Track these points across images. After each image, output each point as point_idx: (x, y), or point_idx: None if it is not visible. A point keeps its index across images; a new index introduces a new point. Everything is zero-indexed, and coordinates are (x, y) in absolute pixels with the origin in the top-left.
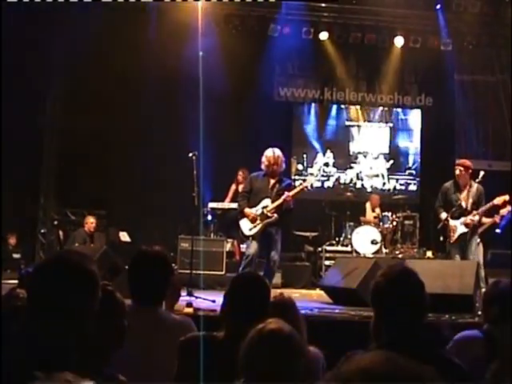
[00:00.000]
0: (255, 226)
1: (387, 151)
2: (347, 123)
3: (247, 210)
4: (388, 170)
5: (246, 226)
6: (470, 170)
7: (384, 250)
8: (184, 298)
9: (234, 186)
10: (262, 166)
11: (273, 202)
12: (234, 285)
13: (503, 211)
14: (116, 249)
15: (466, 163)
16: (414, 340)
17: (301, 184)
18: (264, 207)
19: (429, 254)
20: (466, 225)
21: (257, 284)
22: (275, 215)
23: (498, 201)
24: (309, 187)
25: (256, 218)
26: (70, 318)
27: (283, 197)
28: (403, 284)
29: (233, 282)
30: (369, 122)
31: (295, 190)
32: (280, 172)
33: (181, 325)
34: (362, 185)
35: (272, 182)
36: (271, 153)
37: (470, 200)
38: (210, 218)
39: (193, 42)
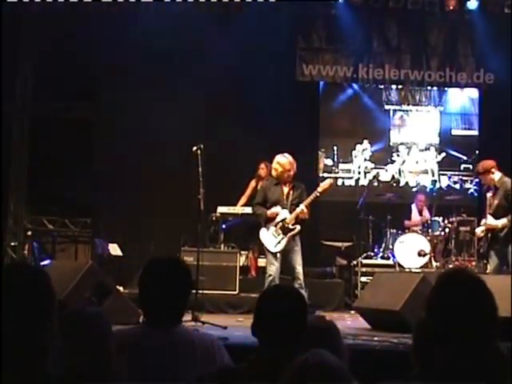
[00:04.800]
0: (280, 242)
1: (437, 141)
2: (387, 107)
3: (271, 211)
4: (439, 164)
5: (270, 241)
6: (489, 171)
7: (434, 264)
8: (189, 323)
9: (253, 183)
10: (274, 174)
11: (291, 212)
12: (262, 301)
13: None
14: (104, 265)
15: (480, 166)
16: (478, 372)
17: (317, 187)
18: (283, 220)
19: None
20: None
21: (291, 299)
22: (297, 226)
23: None
24: (318, 193)
25: (278, 232)
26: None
27: (298, 210)
28: (473, 294)
29: (260, 297)
30: (414, 105)
31: (308, 200)
32: (293, 177)
33: (211, 341)
34: (407, 183)
35: (286, 189)
36: (285, 159)
37: (496, 201)
38: (220, 225)
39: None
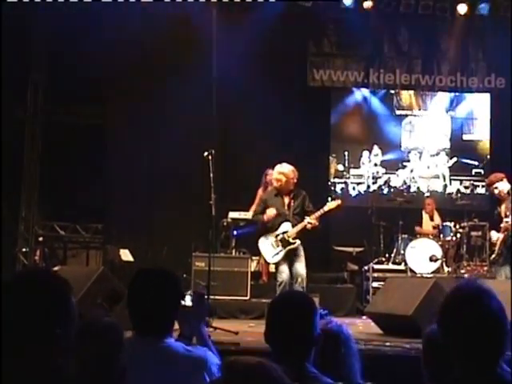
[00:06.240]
0: (278, 253)
1: (448, 146)
2: (398, 112)
3: (267, 215)
4: (450, 169)
5: (268, 252)
6: (497, 184)
7: (446, 269)
8: None
9: (261, 192)
10: (277, 185)
11: (293, 225)
12: (273, 308)
13: None
14: (116, 270)
15: (489, 180)
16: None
17: (324, 205)
18: (284, 232)
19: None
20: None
21: (302, 305)
22: (297, 241)
23: None
24: (324, 211)
25: (278, 244)
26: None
27: (304, 223)
28: (483, 307)
29: (271, 304)
30: (425, 110)
31: (313, 216)
32: (294, 186)
33: (196, 360)
34: (418, 188)
35: (286, 199)
36: (287, 168)
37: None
38: (231, 231)
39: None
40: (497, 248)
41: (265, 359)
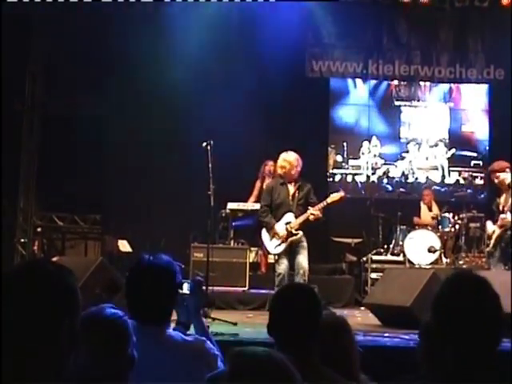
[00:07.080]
0: (280, 244)
1: (447, 137)
2: (397, 103)
3: (278, 229)
4: (448, 160)
5: (271, 243)
6: (499, 174)
7: (444, 260)
8: None
9: (258, 183)
10: (281, 172)
11: (296, 215)
12: (277, 301)
13: None
14: (114, 261)
15: (492, 167)
16: (486, 372)
17: (327, 196)
18: (287, 223)
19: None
20: (499, 226)
21: (305, 297)
22: (300, 233)
23: None
24: (327, 203)
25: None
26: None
27: (307, 214)
28: (478, 296)
29: (275, 297)
30: (424, 101)
31: (316, 208)
32: (299, 175)
33: (195, 350)
34: (416, 179)
35: (291, 189)
36: (291, 156)
37: (510, 200)
38: (230, 222)
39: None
40: (492, 240)
41: (272, 349)
